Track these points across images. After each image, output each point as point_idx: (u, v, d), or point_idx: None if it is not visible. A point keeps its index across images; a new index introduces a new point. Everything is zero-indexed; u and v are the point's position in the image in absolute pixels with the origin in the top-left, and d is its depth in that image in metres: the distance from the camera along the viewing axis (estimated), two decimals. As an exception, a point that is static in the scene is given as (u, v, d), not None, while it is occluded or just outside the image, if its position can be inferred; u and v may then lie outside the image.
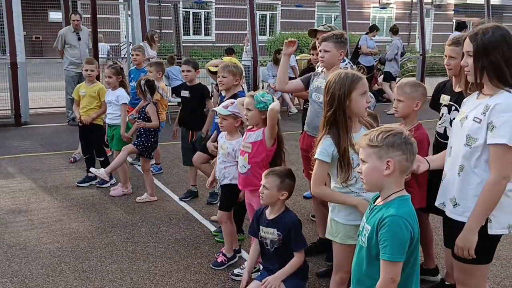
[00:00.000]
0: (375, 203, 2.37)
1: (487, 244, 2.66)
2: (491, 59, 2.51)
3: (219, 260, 4.17)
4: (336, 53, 3.97)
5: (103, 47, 13.33)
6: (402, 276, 2.24)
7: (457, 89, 3.43)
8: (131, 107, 6.40)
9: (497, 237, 2.67)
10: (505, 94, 2.51)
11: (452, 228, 2.70)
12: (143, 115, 5.67)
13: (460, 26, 12.77)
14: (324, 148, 2.89)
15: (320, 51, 4.02)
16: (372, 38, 12.38)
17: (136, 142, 5.65)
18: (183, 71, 5.69)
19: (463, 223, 2.62)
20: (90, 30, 9.59)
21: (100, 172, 5.49)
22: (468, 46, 2.60)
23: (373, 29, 12.57)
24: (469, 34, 2.62)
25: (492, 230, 2.60)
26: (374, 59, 12.77)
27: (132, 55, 7.38)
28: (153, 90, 5.67)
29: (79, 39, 9.94)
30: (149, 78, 5.81)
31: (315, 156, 2.92)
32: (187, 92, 5.65)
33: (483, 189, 2.52)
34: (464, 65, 2.65)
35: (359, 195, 2.88)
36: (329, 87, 2.93)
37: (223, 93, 4.81)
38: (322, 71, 4.18)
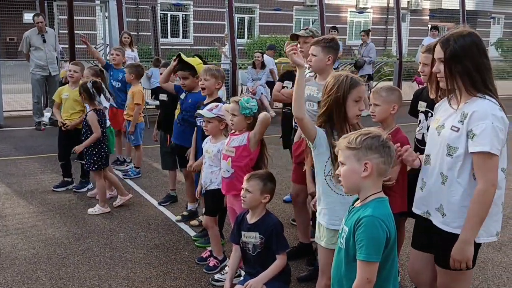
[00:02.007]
0: (353, 205, 2.40)
1: (476, 255, 2.66)
2: (463, 65, 2.53)
3: (211, 264, 4.13)
4: (323, 57, 3.94)
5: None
6: (380, 278, 2.25)
7: (432, 96, 3.47)
8: (116, 108, 6.39)
9: (480, 244, 2.69)
10: (480, 101, 2.52)
11: (438, 237, 2.70)
12: (84, 123, 5.47)
13: (431, 28, 13.24)
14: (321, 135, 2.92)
15: (302, 51, 4.02)
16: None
17: (85, 166, 5.48)
18: (161, 74, 5.63)
19: (450, 234, 2.62)
20: (66, 31, 9.44)
21: (97, 209, 5.38)
22: (439, 52, 2.61)
23: (329, 30, 12.48)
24: (440, 41, 2.63)
25: (480, 239, 2.61)
26: (338, 63, 12.85)
27: (112, 54, 7.32)
28: (100, 92, 5.40)
29: (44, 41, 9.71)
30: (97, 80, 5.61)
31: None
32: (165, 95, 5.59)
33: (473, 199, 2.51)
34: (436, 72, 2.66)
35: (344, 197, 2.88)
36: (327, 87, 2.98)
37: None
38: (314, 77, 4.17)
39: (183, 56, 4.91)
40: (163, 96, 5.64)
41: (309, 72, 4.51)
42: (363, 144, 2.25)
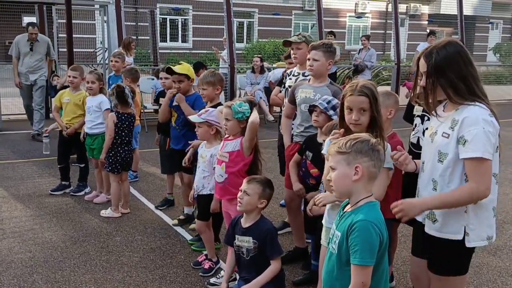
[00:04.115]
0: (344, 210, 2.42)
1: (465, 256, 2.69)
2: (445, 77, 2.54)
3: (206, 267, 4.14)
4: (325, 62, 3.99)
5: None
6: (373, 281, 2.28)
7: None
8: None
9: (473, 248, 2.71)
10: (471, 107, 2.54)
11: (430, 243, 2.72)
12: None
13: (428, 34, 12.84)
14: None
15: (309, 59, 4.04)
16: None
17: (106, 166, 5.50)
18: (161, 78, 5.61)
19: (442, 239, 2.64)
20: (65, 35, 9.43)
21: (108, 212, 5.43)
22: (423, 66, 2.62)
23: (326, 35, 12.54)
24: (424, 54, 2.63)
25: (470, 243, 2.62)
26: (337, 67, 12.89)
27: (112, 61, 7.32)
28: (122, 97, 5.40)
29: (31, 49, 9.34)
30: (120, 84, 5.64)
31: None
32: None
33: (462, 187, 2.52)
34: (423, 85, 2.65)
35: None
36: None
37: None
38: (308, 80, 4.20)
39: (172, 68, 4.94)
40: (163, 100, 5.61)
41: (302, 75, 4.55)
42: (353, 148, 2.29)
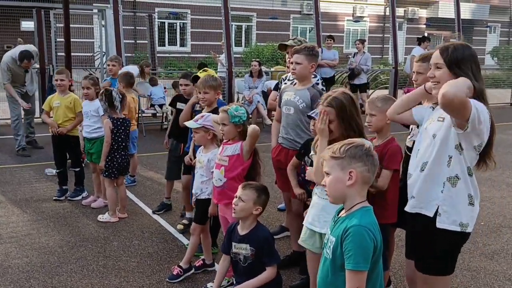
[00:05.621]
0: (339, 215, 2.43)
1: (440, 239, 2.72)
2: (462, 71, 2.61)
3: (174, 273, 4.13)
4: (307, 65, 4.06)
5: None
6: (367, 286, 2.28)
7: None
8: None
9: (456, 245, 2.76)
10: (474, 100, 2.59)
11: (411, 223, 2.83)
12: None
13: (420, 40, 12.24)
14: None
15: (292, 63, 4.09)
16: (329, 48, 12.42)
17: (103, 171, 5.48)
18: (181, 85, 5.56)
19: (416, 216, 2.76)
20: (63, 39, 9.39)
21: (105, 216, 5.42)
22: (437, 58, 2.70)
23: (324, 40, 12.66)
24: (440, 48, 2.72)
25: (440, 224, 2.69)
26: (335, 71, 12.95)
27: (108, 65, 7.32)
28: (110, 101, 5.37)
29: (26, 71, 8.70)
30: (107, 88, 5.62)
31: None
32: (184, 104, 5.40)
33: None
34: (431, 76, 2.76)
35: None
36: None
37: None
38: (293, 84, 4.24)
39: (199, 74, 4.94)
40: (181, 105, 5.47)
41: (288, 80, 4.60)
42: (347, 153, 2.31)
